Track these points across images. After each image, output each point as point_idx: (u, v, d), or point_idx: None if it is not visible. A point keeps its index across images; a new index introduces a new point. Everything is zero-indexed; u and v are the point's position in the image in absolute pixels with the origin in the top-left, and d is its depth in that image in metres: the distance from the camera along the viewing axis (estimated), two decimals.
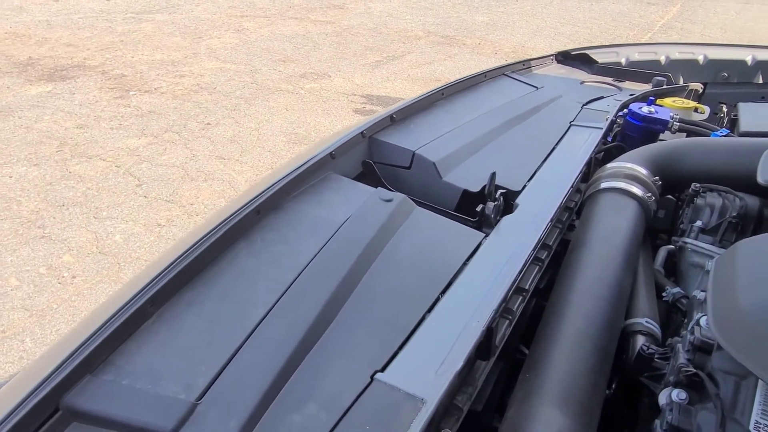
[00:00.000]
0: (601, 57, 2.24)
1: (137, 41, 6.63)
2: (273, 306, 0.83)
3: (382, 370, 0.77)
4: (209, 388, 0.70)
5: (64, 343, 0.74)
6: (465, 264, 1.02)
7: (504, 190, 1.23)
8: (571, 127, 1.57)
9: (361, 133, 1.30)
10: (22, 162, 3.76)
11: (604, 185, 1.29)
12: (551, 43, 7.50)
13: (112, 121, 4.42)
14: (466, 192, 1.24)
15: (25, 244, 3.00)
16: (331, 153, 1.19)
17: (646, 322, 1.04)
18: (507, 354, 1.09)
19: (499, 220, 1.16)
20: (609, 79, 2.08)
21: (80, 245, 3.02)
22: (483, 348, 0.90)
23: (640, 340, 1.02)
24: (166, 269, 0.83)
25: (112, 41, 6.57)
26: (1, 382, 0.80)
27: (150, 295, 0.78)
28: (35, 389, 0.65)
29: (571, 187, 1.28)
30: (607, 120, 1.60)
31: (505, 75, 1.88)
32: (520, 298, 1.06)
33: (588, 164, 1.43)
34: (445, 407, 0.79)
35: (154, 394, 0.68)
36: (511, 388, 0.91)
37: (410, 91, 5.33)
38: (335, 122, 4.68)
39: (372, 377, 0.75)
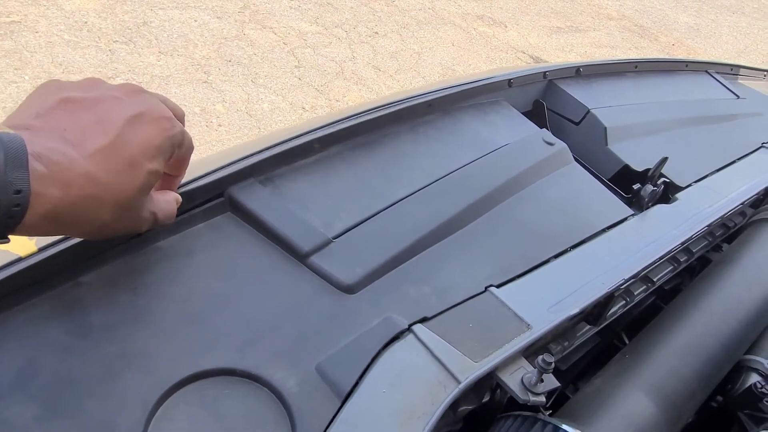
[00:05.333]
0: None
1: None
2: (416, 191, 0.86)
3: (498, 287, 0.78)
4: (345, 233, 0.75)
5: (235, 149, 0.82)
6: (603, 231, 0.99)
7: (667, 180, 1.16)
8: (762, 148, 1.42)
9: (543, 73, 1.26)
10: (208, 11, 4.05)
11: None
12: None
13: (293, 1, 4.60)
14: (627, 167, 1.18)
15: (190, 83, 3.28)
16: (509, 80, 1.17)
17: None
18: (606, 334, 1.07)
19: (650, 206, 1.11)
20: None
21: (233, 100, 3.26)
22: (595, 312, 0.89)
23: (754, 378, 0.95)
24: (336, 122, 0.88)
25: None
26: None
27: (319, 135, 0.84)
28: (209, 173, 0.73)
29: (740, 204, 1.18)
30: None
31: (708, 73, 1.71)
32: (644, 287, 1.02)
33: (766, 193, 1.31)
34: (542, 346, 0.80)
35: (300, 217, 0.74)
36: (596, 369, 0.90)
37: None
38: None
39: (486, 288, 0.77)
